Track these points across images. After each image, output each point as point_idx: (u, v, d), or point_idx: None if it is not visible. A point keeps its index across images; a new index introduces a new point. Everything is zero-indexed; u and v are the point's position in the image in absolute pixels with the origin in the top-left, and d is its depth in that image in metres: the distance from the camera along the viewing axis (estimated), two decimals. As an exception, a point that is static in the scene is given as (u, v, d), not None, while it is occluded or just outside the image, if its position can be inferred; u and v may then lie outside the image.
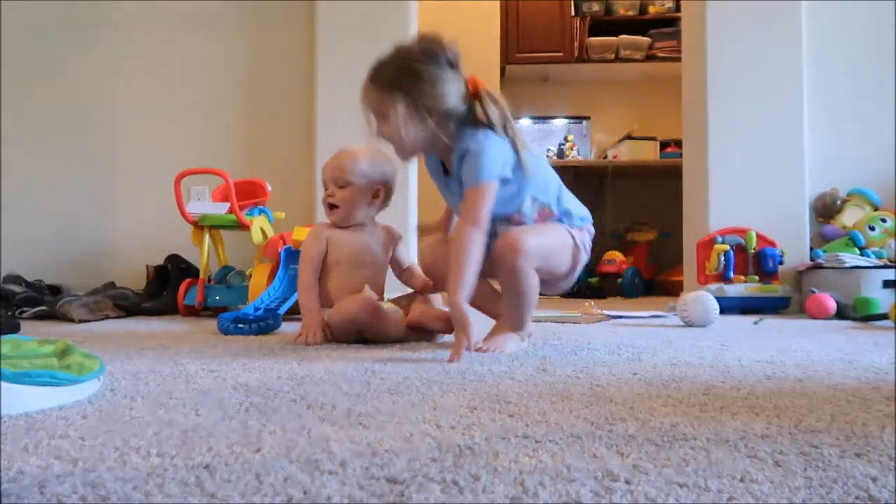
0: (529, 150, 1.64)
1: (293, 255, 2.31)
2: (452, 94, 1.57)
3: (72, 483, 0.62)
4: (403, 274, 1.92)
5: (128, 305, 2.75)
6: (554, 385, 1.13)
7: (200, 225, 2.70)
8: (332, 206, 1.82)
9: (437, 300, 1.84)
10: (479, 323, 1.55)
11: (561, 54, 5.01)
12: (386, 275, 1.91)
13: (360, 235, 1.85)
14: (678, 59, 3.65)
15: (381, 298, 1.82)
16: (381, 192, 1.84)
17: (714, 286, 2.82)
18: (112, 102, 3.39)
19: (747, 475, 0.65)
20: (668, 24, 4.99)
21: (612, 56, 5.02)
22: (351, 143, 1.90)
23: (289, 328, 2.03)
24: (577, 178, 4.85)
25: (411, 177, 3.21)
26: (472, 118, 1.58)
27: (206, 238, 2.74)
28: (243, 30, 3.38)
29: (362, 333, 1.70)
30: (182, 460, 0.70)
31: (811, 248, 3.06)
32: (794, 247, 3.02)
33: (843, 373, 1.27)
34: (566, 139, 5.20)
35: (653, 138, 5.00)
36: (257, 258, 2.71)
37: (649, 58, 5.02)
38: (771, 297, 2.83)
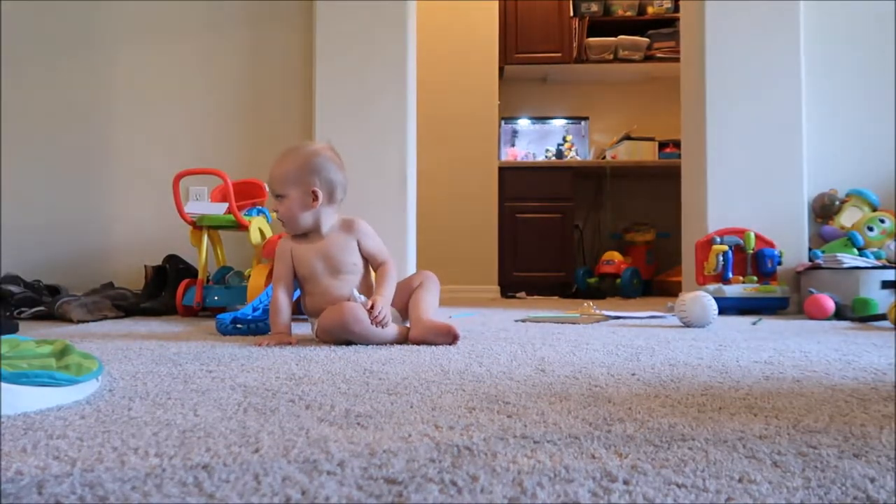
0: None
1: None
2: None
3: (70, 483, 0.62)
4: (376, 274, 1.82)
5: (126, 306, 2.75)
6: (552, 385, 1.13)
7: (199, 225, 2.70)
8: (281, 220, 1.79)
9: (432, 305, 1.81)
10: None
11: (560, 55, 5.01)
12: (368, 271, 1.83)
13: (319, 244, 1.78)
14: (677, 60, 3.66)
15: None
16: (318, 193, 1.74)
17: (712, 287, 2.82)
18: (111, 103, 3.39)
19: (745, 475, 0.65)
20: (667, 24, 4.99)
21: (611, 56, 5.03)
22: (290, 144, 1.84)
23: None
24: (576, 178, 4.87)
25: (410, 174, 3.21)
26: None
27: (205, 238, 2.74)
28: (242, 30, 3.38)
29: (352, 342, 1.68)
30: (180, 460, 0.69)
31: (810, 249, 3.06)
32: (792, 247, 3.03)
33: (841, 373, 1.27)
34: (565, 139, 5.21)
35: (651, 139, 5.01)
36: (256, 258, 2.71)
37: (648, 58, 5.03)
38: (769, 298, 2.83)
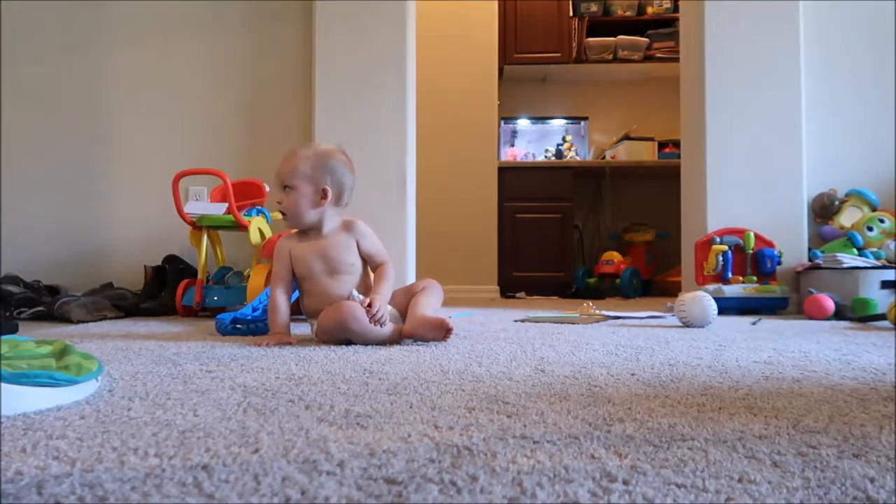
0: None
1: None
2: None
3: (70, 483, 0.62)
4: (374, 274, 1.84)
5: (126, 306, 2.75)
6: (552, 385, 1.13)
7: (198, 225, 2.70)
8: (283, 212, 1.80)
9: (431, 302, 1.82)
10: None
11: (559, 55, 5.01)
12: (367, 272, 1.85)
13: (319, 243, 1.79)
14: (676, 60, 3.66)
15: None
16: (328, 191, 1.76)
17: (712, 287, 2.82)
18: (111, 103, 3.39)
19: (745, 476, 0.65)
20: (667, 24, 4.99)
21: (611, 56, 5.03)
22: (303, 144, 1.87)
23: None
24: (576, 178, 4.87)
25: (410, 174, 3.21)
26: None
27: (205, 238, 2.74)
28: (242, 30, 3.38)
29: (351, 341, 1.69)
30: (180, 461, 0.69)
31: (809, 249, 3.06)
32: (792, 247, 3.03)
33: (841, 373, 1.27)
34: (564, 139, 5.20)
35: (651, 139, 5.01)
36: (255, 258, 2.71)
37: (647, 58, 5.03)
38: (769, 298, 2.83)
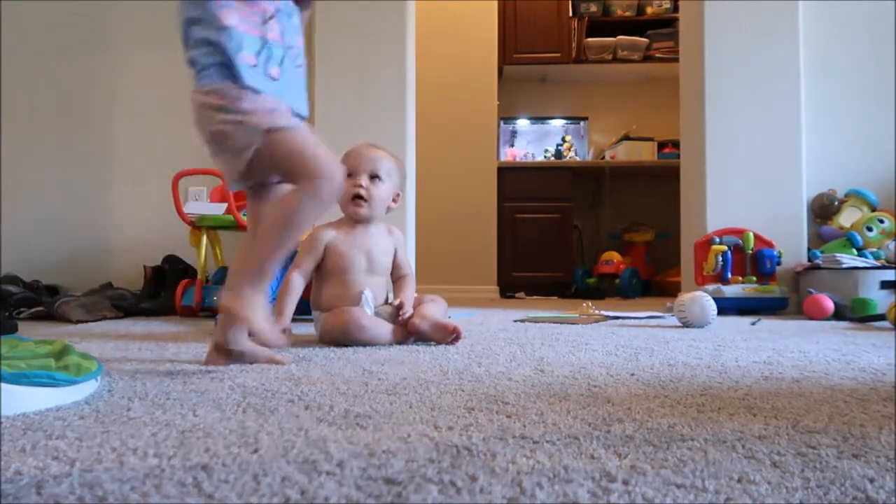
0: None
1: (290, 255, 2.31)
2: None
3: (69, 484, 0.62)
4: (396, 282, 1.89)
5: (125, 306, 2.74)
6: (552, 386, 1.13)
7: (198, 225, 2.70)
8: (358, 197, 1.77)
9: (438, 310, 1.82)
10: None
11: (559, 55, 5.01)
12: (388, 278, 1.89)
13: (366, 240, 1.80)
14: (676, 60, 3.66)
15: (386, 301, 1.82)
16: (399, 197, 1.86)
17: (711, 287, 2.82)
18: (111, 103, 3.39)
19: (745, 476, 0.65)
20: (666, 24, 4.99)
21: (610, 57, 5.02)
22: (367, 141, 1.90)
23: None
24: (575, 178, 4.87)
25: (410, 176, 3.20)
26: None
27: (204, 238, 2.74)
28: (241, 30, 3.37)
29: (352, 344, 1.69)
30: (179, 461, 0.69)
31: (809, 249, 3.06)
32: (791, 247, 3.03)
33: (840, 373, 1.27)
34: (564, 140, 5.20)
35: (650, 139, 5.01)
36: (255, 258, 2.71)
37: (647, 58, 5.03)
38: (768, 298, 2.83)
